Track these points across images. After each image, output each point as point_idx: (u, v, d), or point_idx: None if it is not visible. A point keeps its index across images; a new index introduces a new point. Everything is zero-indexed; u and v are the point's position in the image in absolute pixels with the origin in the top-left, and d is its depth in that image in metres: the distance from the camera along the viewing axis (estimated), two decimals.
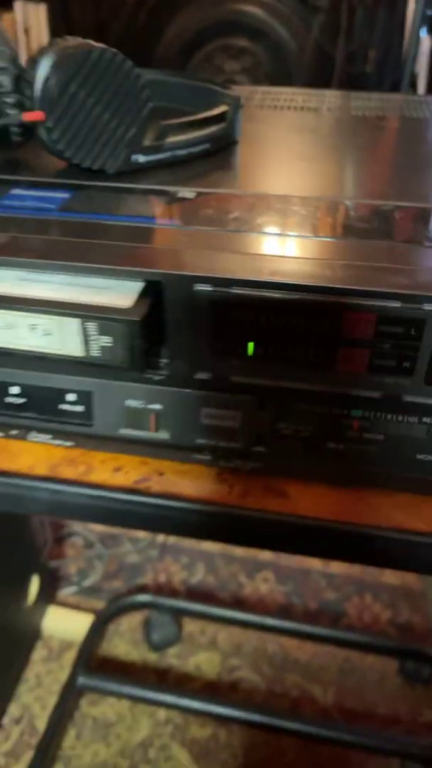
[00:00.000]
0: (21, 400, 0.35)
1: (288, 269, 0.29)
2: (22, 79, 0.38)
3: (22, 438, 0.38)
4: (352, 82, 1.85)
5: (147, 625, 1.15)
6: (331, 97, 0.63)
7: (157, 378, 0.33)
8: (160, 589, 1.24)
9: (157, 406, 0.33)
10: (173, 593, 1.23)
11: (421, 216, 0.35)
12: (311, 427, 0.33)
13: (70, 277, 0.31)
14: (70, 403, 0.34)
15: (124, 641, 1.16)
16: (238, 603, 1.23)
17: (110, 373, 0.33)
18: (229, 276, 0.29)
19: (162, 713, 1.05)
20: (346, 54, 2.02)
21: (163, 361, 0.32)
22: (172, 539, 1.35)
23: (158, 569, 1.30)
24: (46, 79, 0.37)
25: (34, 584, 1.10)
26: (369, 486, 0.34)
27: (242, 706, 1.01)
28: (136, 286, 0.30)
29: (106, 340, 0.29)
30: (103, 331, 0.29)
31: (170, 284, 0.29)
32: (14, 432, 0.37)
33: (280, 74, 2.37)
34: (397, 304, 0.28)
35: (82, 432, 0.35)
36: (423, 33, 1.61)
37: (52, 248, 0.31)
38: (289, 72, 2.33)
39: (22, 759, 1.00)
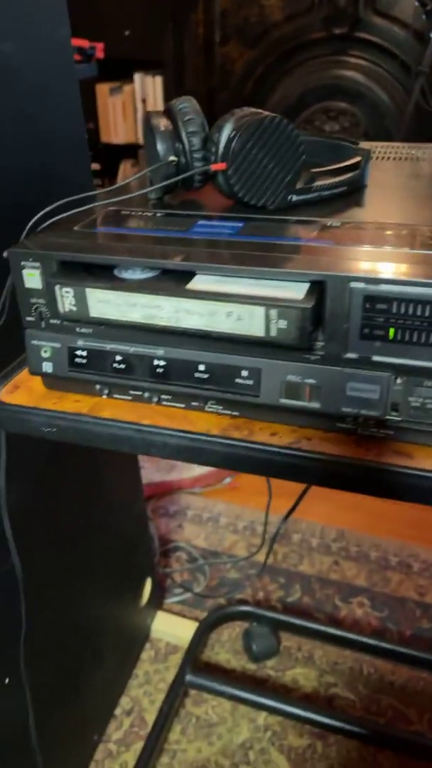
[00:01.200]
0: (206, 376, 0.46)
1: (421, 272, 0.39)
2: (208, 139, 0.51)
3: (200, 409, 0.48)
4: None
5: (247, 636, 1.22)
6: None
7: (313, 358, 0.43)
8: (258, 605, 1.31)
9: (312, 381, 0.43)
10: (272, 609, 1.30)
11: None
12: None
13: (253, 279, 0.42)
14: (243, 378, 0.45)
15: (225, 650, 1.23)
16: (334, 624, 1.27)
17: (277, 353, 0.43)
18: (378, 276, 0.39)
19: (261, 719, 1.11)
20: None
21: (319, 343, 0.42)
22: (269, 559, 1.42)
23: (256, 587, 1.37)
24: (229, 140, 0.49)
25: (147, 587, 1.20)
26: None
27: (341, 716, 1.05)
28: (303, 286, 0.41)
29: (282, 324, 0.40)
30: (281, 316, 0.40)
31: (332, 282, 0.40)
32: (194, 403, 0.48)
33: (378, 133, 2.51)
34: None
35: (249, 402, 0.46)
36: None
37: (239, 259, 0.43)
38: (387, 130, 2.46)
39: (132, 748, 1.08)
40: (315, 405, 0.44)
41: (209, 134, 0.51)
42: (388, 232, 0.46)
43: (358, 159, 0.56)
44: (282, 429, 0.47)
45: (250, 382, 0.45)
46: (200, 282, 0.42)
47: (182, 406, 0.49)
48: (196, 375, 0.46)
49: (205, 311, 0.41)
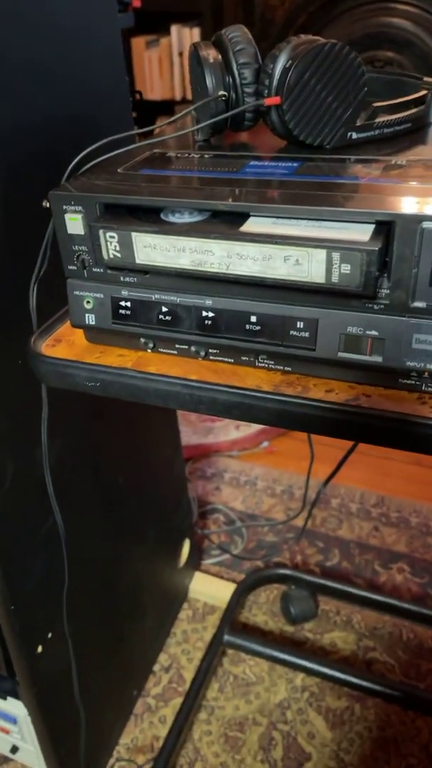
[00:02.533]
0: (257, 328, 0.43)
1: None
2: (261, 71, 0.47)
3: (250, 364, 0.46)
4: None
5: (285, 599, 1.21)
6: None
7: (376, 307, 0.39)
8: (296, 568, 1.30)
9: (374, 332, 0.40)
10: (311, 572, 1.29)
11: None
12: None
13: (312, 221, 0.38)
14: (299, 330, 0.42)
15: (262, 612, 1.23)
16: (373, 589, 1.25)
17: (336, 302, 0.40)
18: None
19: (298, 680, 1.11)
20: None
21: (384, 291, 0.39)
22: (308, 523, 1.40)
23: (294, 550, 1.36)
24: (286, 70, 0.45)
25: (186, 548, 1.20)
26: None
27: (380, 680, 1.04)
28: (368, 227, 0.37)
29: (346, 268, 0.36)
30: (344, 260, 0.36)
31: (401, 223, 0.36)
32: (244, 358, 0.45)
33: None
34: None
35: (304, 356, 0.43)
36: None
37: (297, 199, 0.39)
38: None
39: (171, 704, 1.09)
40: (377, 359, 0.41)
41: (263, 66, 0.47)
42: None
43: (423, 93, 0.51)
44: (338, 385, 0.44)
45: (306, 335, 0.42)
46: (255, 224, 0.39)
47: (231, 360, 0.46)
48: (247, 327, 0.43)
49: (259, 256, 0.38)
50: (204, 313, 0.44)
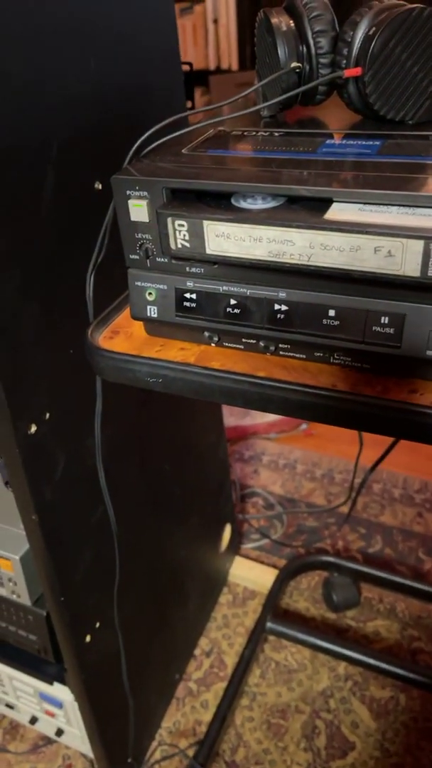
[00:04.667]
0: (336, 323, 0.40)
1: None
2: (339, 40, 0.43)
3: (324, 361, 0.43)
4: None
5: (327, 586, 1.19)
6: None
7: None
8: (338, 554, 1.28)
9: None
10: (353, 559, 1.26)
11: None
12: None
13: (403, 208, 0.35)
14: (382, 326, 0.39)
15: (304, 598, 1.22)
16: (417, 577, 1.23)
17: (425, 297, 0.37)
18: None
19: (341, 669, 1.09)
20: None
21: None
22: (348, 509, 1.38)
23: (335, 536, 1.33)
24: (369, 38, 0.41)
25: (227, 532, 1.19)
26: None
27: (426, 670, 1.02)
28: None
29: None
30: None
31: None
32: (318, 354, 0.42)
33: None
34: None
35: (388, 353, 0.39)
36: None
37: (387, 182, 0.36)
38: None
39: (212, 688, 1.09)
40: None
41: (341, 34, 0.43)
42: None
43: None
44: (423, 385, 0.41)
45: (391, 331, 0.38)
46: (340, 211, 0.36)
47: (303, 356, 0.43)
48: (325, 321, 0.40)
49: (347, 246, 0.35)
50: (277, 306, 0.41)
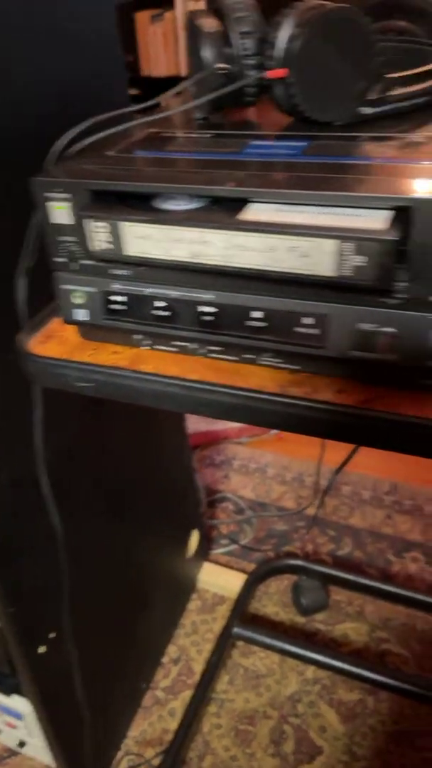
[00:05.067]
0: (261, 324, 0.39)
1: None
2: (264, 41, 0.43)
3: (252, 362, 0.42)
4: None
5: (296, 590, 1.19)
6: None
7: (392, 302, 0.36)
8: (307, 558, 1.28)
9: (390, 329, 0.36)
10: (322, 562, 1.26)
11: None
12: None
13: (321, 208, 0.35)
14: (306, 326, 0.38)
15: (273, 602, 1.21)
16: (386, 579, 1.23)
17: (347, 297, 0.36)
18: None
19: (310, 672, 1.09)
20: None
21: (401, 284, 0.35)
22: (319, 512, 1.38)
23: (305, 539, 1.33)
24: (291, 38, 0.41)
25: (194, 538, 1.18)
26: None
27: (394, 673, 1.02)
28: (384, 214, 0.33)
29: (359, 260, 0.33)
30: (359, 251, 0.33)
31: (422, 208, 0.32)
32: (247, 356, 0.42)
33: None
34: None
35: (313, 354, 0.39)
36: None
37: (304, 182, 0.35)
38: None
39: (180, 696, 1.08)
40: (392, 357, 0.37)
41: (266, 35, 0.43)
42: None
43: None
44: (350, 386, 0.40)
45: (315, 331, 0.38)
46: (256, 212, 0.35)
47: (234, 358, 0.43)
48: (250, 323, 0.39)
49: (263, 247, 0.35)
50: (203, 309, 0.40)
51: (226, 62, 0.44)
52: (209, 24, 0.44)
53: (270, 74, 0.42)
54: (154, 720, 1.05)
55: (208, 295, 0.40)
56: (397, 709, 1.03)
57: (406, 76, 0.45)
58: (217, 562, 1.29)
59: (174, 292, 0.41)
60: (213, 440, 1.60)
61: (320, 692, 1.06)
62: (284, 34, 0.41)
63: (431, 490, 1.42)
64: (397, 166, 0.36)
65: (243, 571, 1.26)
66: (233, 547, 1.32)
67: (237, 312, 0.40)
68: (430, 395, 0.38)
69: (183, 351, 0.44)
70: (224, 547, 1.33)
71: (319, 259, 0.34)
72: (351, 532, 1.34)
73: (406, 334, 0.36)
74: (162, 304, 0.41)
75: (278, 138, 0.43)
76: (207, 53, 0.43)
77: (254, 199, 0.36)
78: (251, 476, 1.51)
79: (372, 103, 0.44)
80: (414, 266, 0.34)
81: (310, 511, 1.36)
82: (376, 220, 0.33)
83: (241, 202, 0.37)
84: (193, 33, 0.45)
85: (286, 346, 0.39)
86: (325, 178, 0.36)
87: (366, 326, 0.37)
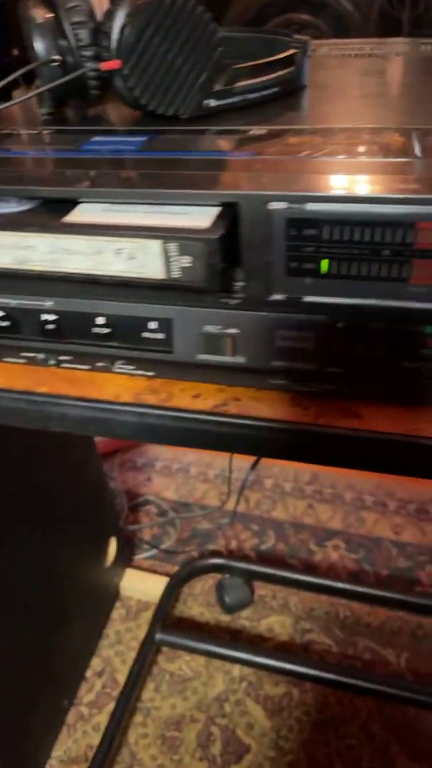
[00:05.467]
0: (106, 330, 0.37)
1: (360, 185, 0.30)
2: (99, 31, 0.41)
3: (106, 370, 0.40)
4: None
5: (220, 588, 1.18)
6: (400, 44, 0.62)
7: (233, 302, 0.34)
8: (231, 555, 1.27)
9: (234, 331, 0.35)
10: (245, 558, 1.26)
11: None
12: (385, 345, 0.33)
13: (151, 207, 0.33)
14: (152, 331, 0.37)
15: (198, 603, 1.20)
16: (309, 569, 1.24)
17: (189, 299, 0.35)
18: (302, 193, 0.30)
19: (236, 671, 1.08)
20: (413, 17, 1.96)
21: (239, 284, 0.34)
22: (241, 507, 1.37)
23: (229, 536, 1.33)
24: (123, 28, 0.39)
25: (112, 546, 1.15)
26: None
27: (316, 664, 1.03)
28: (213, 210, 0.32)
29: (186, 261, 0.31)
30: (183, 252, 0.31)
31: (246, 204, 0.31)
32: (100, 364, 0.40)
33: None
34: None
35: (163, 359, 0.37)
36: None
37: (134, 180, 0.34)
38: None
39: (105, 710, 1.05)
40: (240, 359, 0.36)
41: (100, 25, 0.41)
42: (324, 139, 0.37)
43: (292, 52, 0.46)
44: (207, 389, 0.39)
45: (161, 336, 0.37)
46: (83, 213, 0.33)
47: (87, 368, 0.40)
48: (95, 330, 0.37)
49: (88, 250, 0.33)
50: (44, 317, 0.38)
51: (60, 54, 0.41)
52: (40, 14, 0.41)
53: (104, 66, 0.40)
54: (79, 737, 1.02)
55: (48, 303, 0.37)
56: (321, 698, 1.04)
57: (253, 66, 0.44)
58: (140, 568, 1.26)
59: (12, 301, 0.38)
60: (135, 443, 1.57)
61: (247, 689, 1.06)
62: (117, 24, 0.39)
63: (350, 478, 1.44)
64: (230, 161, 0.35)
65: (167, 574, 1.24)
66: (156, 550, 1.30)
67: (80, 319, 0.37)
68: (284, 395, 0.38)
69: (32, 362, 0.41)
70: (147, 551, 1.30)
71: (146, 261, 0.32)
72: (274, 525, 1.34)
73: (249, 334, 0.35)
74: (1, 313, 0.38)
75: (121, 133, 0.41)
76: (39, 45, 0.41)
77: (83, 200, 0.34)
78: (174, 477, 1.49)
79: (218, 95, 0.42)
80: (246, 265, 0.33)
81: (232, 507, 1.35)
82: (202, 218, 0.31)
83: (73, 203, 0.34)
84: (25, 24, 0.42)
85: (135, 352, 0.38)
86: (156, 174, 0.34)
87: (211, 328, 0.36)
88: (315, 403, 0.37)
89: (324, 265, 0.31)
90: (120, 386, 0.40)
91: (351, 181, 0.31)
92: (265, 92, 0.44)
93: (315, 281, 0.32)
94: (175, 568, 1.25)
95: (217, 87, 0.42)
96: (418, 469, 0.35)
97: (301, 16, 2.38)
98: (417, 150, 0.34)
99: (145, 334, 0.37)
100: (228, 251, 0.32)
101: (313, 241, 0.31)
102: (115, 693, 1.07)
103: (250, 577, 1.20)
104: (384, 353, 0.34)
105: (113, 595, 1.19)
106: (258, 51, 0.52)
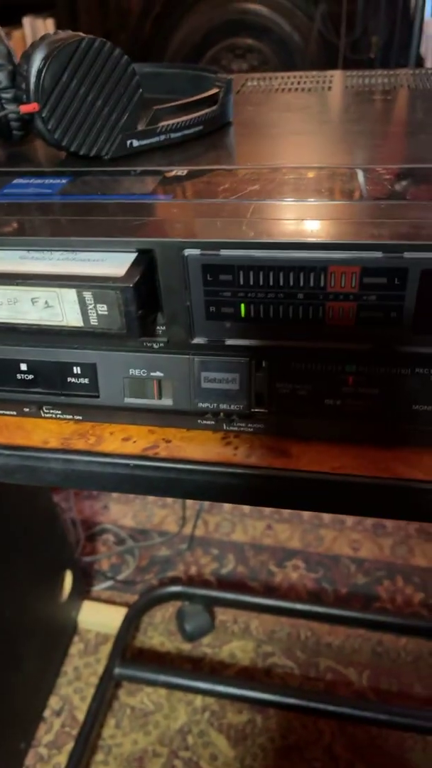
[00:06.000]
0: (30, 377, 0.37)
1: (272, 229, 0.30)
2: (17, 74, 0.40)
3: (35, 415, 0.39)
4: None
5: (180, 616, 1.17)
6: (331, 77, 0.64)
7: (156, 346, 0.34)
8: (191, 581, 1.26)
9: (159, 374, 0.35)
10: (205, 584, 1.25)
11: (407, 174, 0.36)
12: (308, 384, 0.34)
13: (68, 253, 0.32)
14: (76, 376, 0.36)
15: (158, 633, 1.18)
16: (270, 591, 1.23)
17: (111, 344, 0.35)
18: (215, 239, 0.30)
19: (198, 701, 1.07)
20: (350, 42, 2.02)
21: (161, 328, 0.33)
22: (200, 531, 1.36)
23: (188, 561, 1.31)
24: (40, 71, 0.39)
25: (68, 580, 1.12)
26: (368, 441, 0.35)
27: (278, 690, 1.02)
28: (129, 257, 0.31)
29: (102, 309, 0.31)
30: (98, 300, 0.31)
31: (161, 251, 0.31)
32: (27, 409, 0.39)
33: (287, 69, 2.38)
34: (378, 255, 0.29)
35: (90, 404, 0.37)
36: (428, 15, 1.60)
37: (50, 227, 0.33)
38: (295, 65, 2.34)
39: (64, 750, 1.02)
40: (167, 402, 0.36)
41: (18, 67, 0.40)
42: (245, 180, 0.37)
43: (214, 91, 0.46)
44: (137, 431, 0.38)
45: (86, 381, 0.36)
46: None
47: (13, 413, 0.39)
48: (19, 376, 0.37)
49: (4, 299, 0.32)
50: None
51: None
52: None
53: (23, 109, 0.39)
54: None
55: None
56: (284, 723, 1.03)
57: (174, 106, 0.44)
58: (98, 599, 1.24)
59: None
60: None
61: (209, 719, 1.04)
62: (35, 67, 0.39)
63: None
64: (148, 204, 0.35)
65: (126, 604, 1.22)
66: (115, 580, 1.28)
67: (2, 365, 0.36)
68: (214, 434, 0.37)
69: None
70: (105, 582, 1.28)
71: (63, 309, 0.31)
72: (233, 548, 1.34)
73: (174, 377, 0.35)
74: None
75: (44, 175, 0.41)
76: None
77: None
78: (131, 504, 1.47)
79: (140, 135, 0.42)
80: (167, 309, 0.32)
81: (190, 531, 1.34)
82: (118, 266, 0.31)
83: None
84: None
85: (61, 398, 0.37)
86: (74, 221, 0.34)
87: (136, 372, 0.35)
88: (243, 443, 0.37)
89: (242, 308, 0.32)
90: (49, 431, 0.39)
91: (265, 226, 0.31)
92: (187, 131, 0.44)
93: (235, 324, 0.32)
94: (134, 598, 1.23)
95: (140, 127, 0.42)
96: (346, 507, 0.35)
97: (245, 41, 2.44)
98: (336, 192, 0.35)
99: (70, 379, 0.36)
100: (146, 297, 0.31)
101: (230, 286, 0.31)
102: (75, 732, 1.04)
103: (210, 603, 1.18)
104: (307, 392, 0.34)
105: (71, 629, 1.17)
106: (184, 88, 0.52)
